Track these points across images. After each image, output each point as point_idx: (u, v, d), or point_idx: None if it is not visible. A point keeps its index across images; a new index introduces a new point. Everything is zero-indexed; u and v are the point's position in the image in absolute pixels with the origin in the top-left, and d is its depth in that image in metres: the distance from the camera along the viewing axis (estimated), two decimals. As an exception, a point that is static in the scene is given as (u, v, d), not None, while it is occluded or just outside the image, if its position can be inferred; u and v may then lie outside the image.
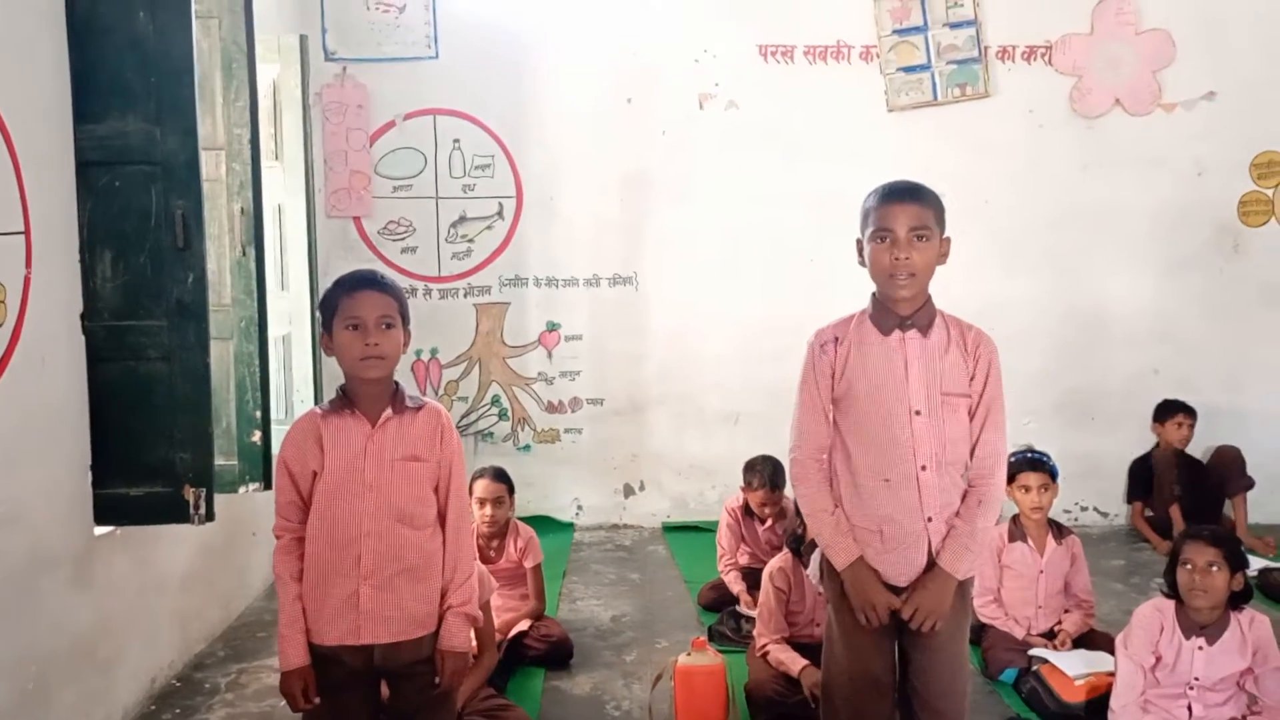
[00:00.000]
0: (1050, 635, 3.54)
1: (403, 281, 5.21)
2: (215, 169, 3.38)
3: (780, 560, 3.38)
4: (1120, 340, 5.39)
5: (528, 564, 3.80)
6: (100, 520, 3.03)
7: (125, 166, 2.96)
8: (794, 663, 3.18)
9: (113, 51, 2.93)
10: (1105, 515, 5.42)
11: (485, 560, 3.74)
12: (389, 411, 2.23)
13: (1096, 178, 5.31)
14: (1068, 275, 5.36)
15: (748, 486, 4.15)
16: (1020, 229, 5.32)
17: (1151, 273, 5.37)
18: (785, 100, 5.25)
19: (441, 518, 2.27)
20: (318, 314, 2.42)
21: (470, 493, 3.74)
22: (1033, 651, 3.45)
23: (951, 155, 5.24)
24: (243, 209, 3.41)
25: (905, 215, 2.20)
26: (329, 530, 2.20)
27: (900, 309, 2.32)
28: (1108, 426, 5.39)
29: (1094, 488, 5.33)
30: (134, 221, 2.98)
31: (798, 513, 3.24)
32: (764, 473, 4.03)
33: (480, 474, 3.82)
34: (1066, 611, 3.61)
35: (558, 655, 3.63)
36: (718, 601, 4.10)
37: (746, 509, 4.21)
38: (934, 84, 5.24)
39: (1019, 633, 3.54)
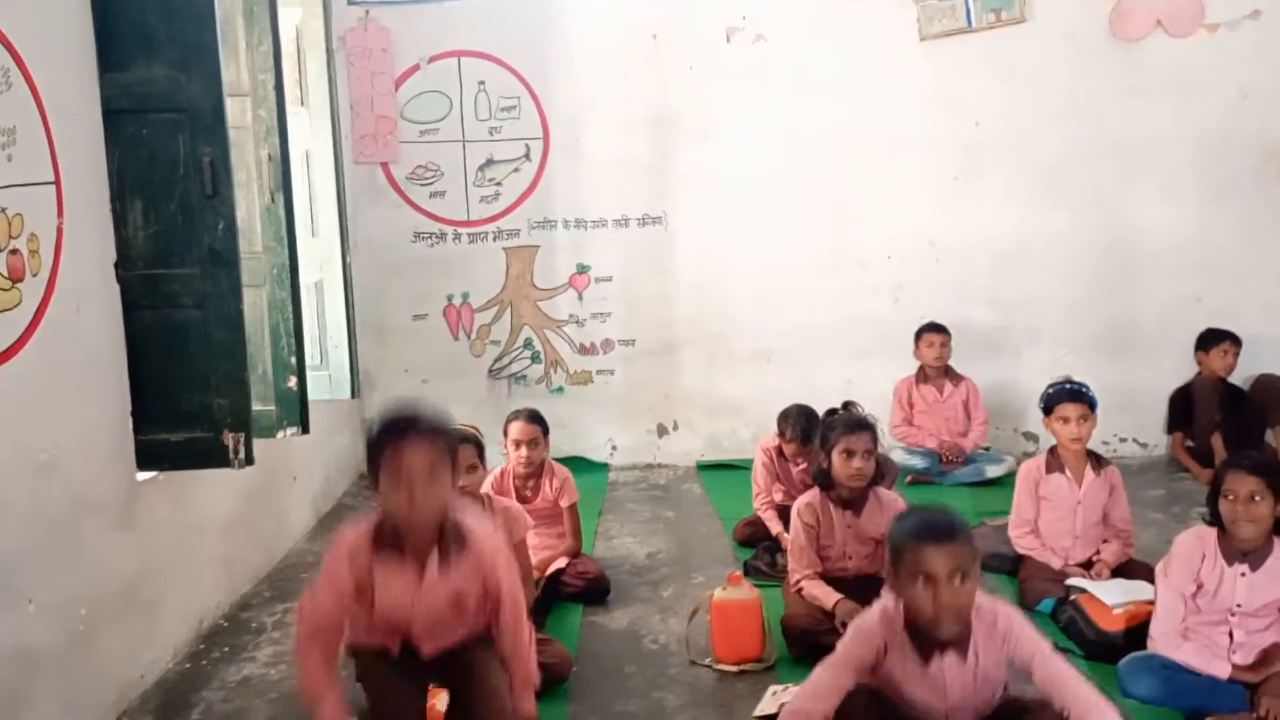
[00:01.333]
0: (1088, 565, 3.53)
1: (431, 226, 5.22)
2: (241, 115, 3.38)
3: (808, 496, 3.39)
4: (1160, 270, 5.28)
5: (563, 503, 3.83)
6: (143, 465, 3.08)
7: (152, 114, 2.97)
8: (827, 597, 3.19)
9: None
10: (1144, 446, 5.37)
11: (522, 500, 3.78)
12: (436, 558, 2.30)
13: (1136, 105, 5.16)
14: (1107, 206, 5.25)
15: (781, 435, 4.15)
16: (1057, 159, 5.21)
17: (1193, 202, 5.24)
18: (814, 32, 5.14)
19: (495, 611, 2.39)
20: (368, 445, 2.30)
21: (505, 434, 3.79)
22: (1070, 581, 3.43)
23: (986, 84, 5.15)
24: (270, 155, 3.41)
25: (944, 557, 2.11)
26: (378, 630, 2.38)
27: (941, 634, 2.24)
28: (1146, 357, 5.31)
29: (1133, 419, 5.27)
30: (163, 169, 2.98)
31: (822, 447, 3.33)
32: (797, 425, 4.04)
33: (515, 416, 3.85)
34: (1105, 542, 3.59)
35: (595, 592, 3.67)
36: (752, 537, 4.11)
37: (780, 449, 4.21)
38: (968, 9, 5.10)
39: (1056, 563, 3.53)
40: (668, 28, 5.14)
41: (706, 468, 5.35)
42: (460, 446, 2.89)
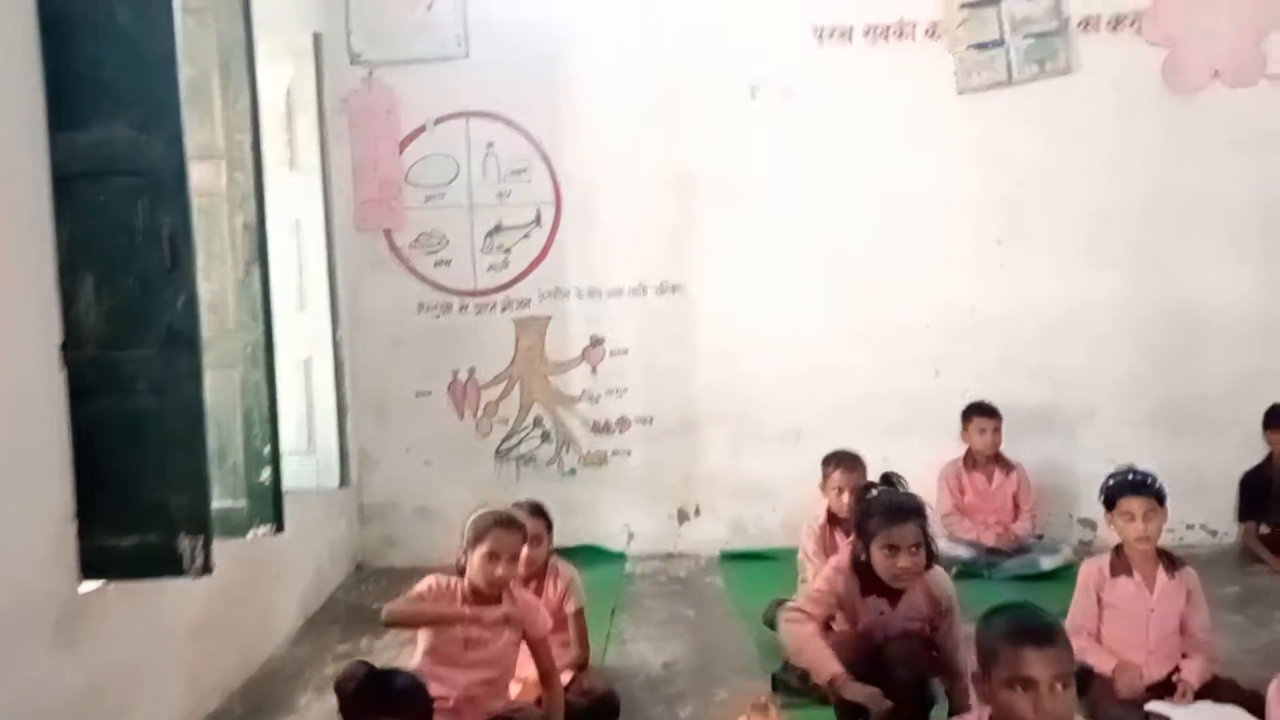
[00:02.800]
0: (1167, 687, 3.07)
1: (436, 296, 4.91)
2: (215, 179, 3.08)
3: (840, 561, 3.04)
4: (1222, 339, 4.86)
5: (568, 609, 3.44)
6: (88, 574, 2.72)
7: (109, 178, 2.66)
8: (825, 665, 2.82)
9: (91, 49, 2.63)
10: (1214, 534, 4.90)
11: None
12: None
13: (1193, 160, 4.79)
14: (1162, 269, 4.85)
15: (825, 478, 3.89)
16: (1108, 219, 4.84)
17: (1256, 264, 4.84)
18: (844, 86, 4.83)
19: None
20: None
21: None
22: (1150, 706, 2.98)
23: (1030, 140, 4.80)
24: (245, 223, 3.10)
25: (1046, 662, 1.92)
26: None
27: None
28: (1211, 435, 4.86)
29: (1199, 504, 4.79)
30: (119, 240, 2.67)
31: (859, 535, 2.92)
32: (843, 462, 3.85)
33: (515, 509, 3.47)
34: (1185, 656, 3.13)
35: (603, 712, 3.24)
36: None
37: (831, 518, 3.87)
38: (1009, 61, 4.77)
39: (1109, 663, 3.06)
40: (687, 84, 4.84)
41: (731, 557, 4.92)
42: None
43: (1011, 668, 1.90)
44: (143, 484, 2.71)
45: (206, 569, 2.77)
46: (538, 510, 3.46)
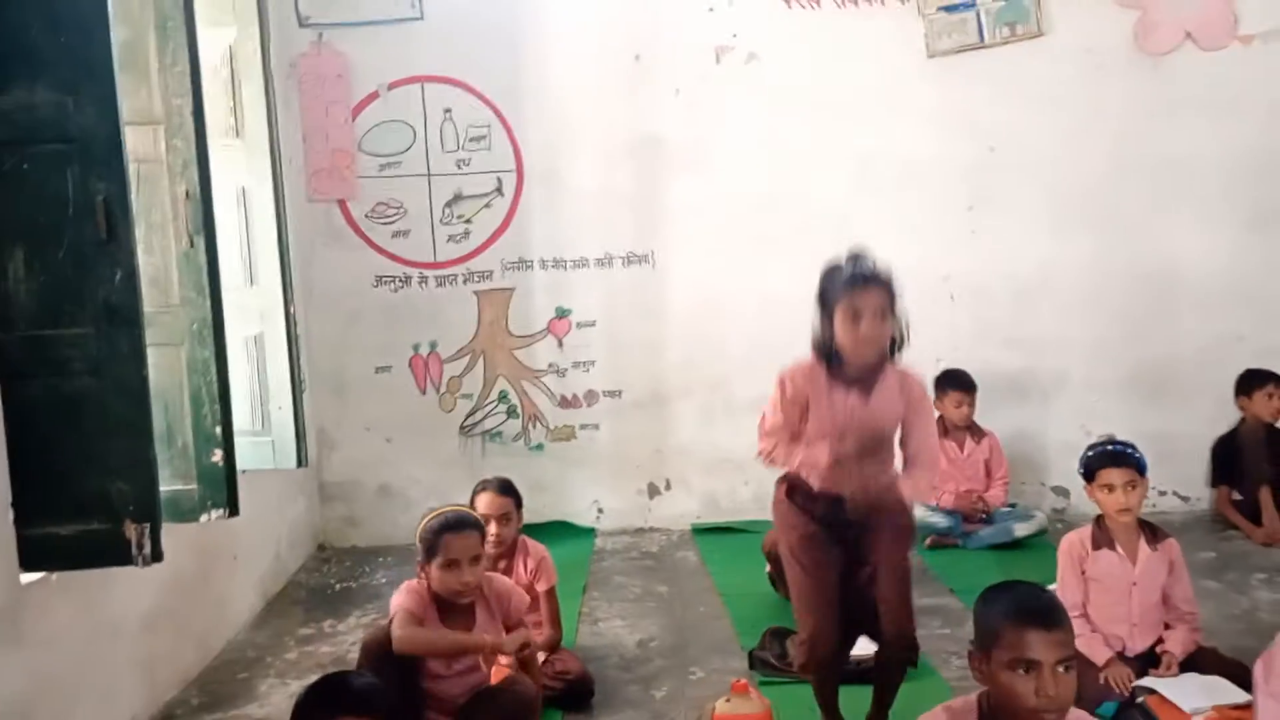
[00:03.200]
0: (1150, 658, 3.02)
1: (394, 269, 4.75)
2: (154, 147, 2.91)
3: (801, 364, 2.73)
4: (1194, 305, 4.82)
5: (540, 587, 3.34)
6: (27, 566, 2.57)
7: (33, 146, 2.48)
8: (819, 451, 2.67)
9: (10, 6, 2.44)
10: (1185, 500, 4.87)
11: None
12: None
13: (1165, 124, 4.72)
14: (1133, 234, 4.79)
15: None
16: (1079, 184, 4.76)
17: (1229, 228, 4.77)
18: (812, 50, 4.69)
19: None
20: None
21: (472, 507, 3.31)
22: (1143, 681, 2.93)
23: (1001, 104, 4.71)
24: (188, 192, 2.93)
25: (1051, 645, 1.81)
26: None
27: None
28: (1183, 401, 4.83)
29: (1172, 470, 4.75)
30: (49, 211, 2.50)
31: (822, 311, 2.65)
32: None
33: (483, 486, 3.38)
34: (1168, 627, 3.08)
35: (576, 694, 3.15)
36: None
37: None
38: (980, 24, 4.66)
39: (1102, 655, 3.00)
40: (651, 48, 4.69)
41: (703, 531, 4.83)
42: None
43: (1014, 649, 1.82)
44: (84, 469, 2.56)
45: (155, 557, 2.63)
46: (506, 487, 3.36)
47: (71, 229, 2.51)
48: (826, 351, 2.64)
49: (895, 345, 2.67)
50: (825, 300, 2.64)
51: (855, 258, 2.64)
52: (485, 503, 3.31)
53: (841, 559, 2.72)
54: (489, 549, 3.28)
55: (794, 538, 2.75)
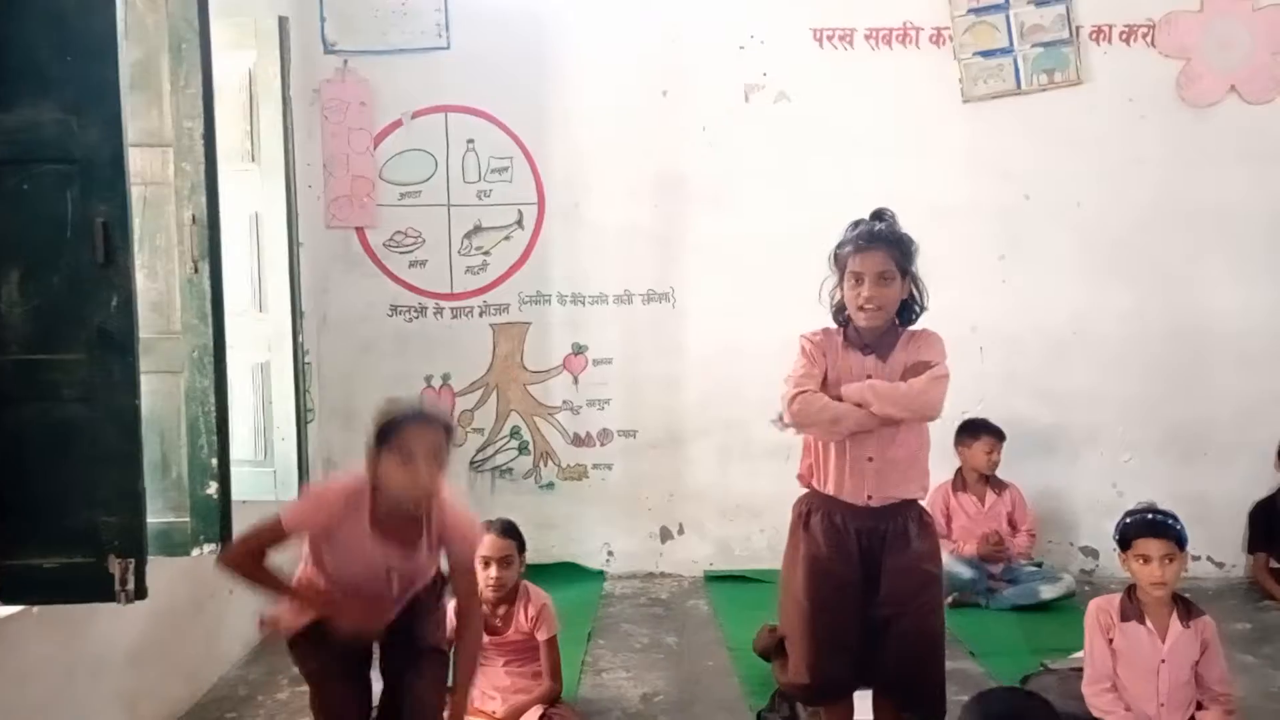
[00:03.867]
0: (1181, 738, 2.85)
1: (410, 299, 4.67)
2: (162, 170, 2.84)
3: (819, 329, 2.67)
4: (1233, 361, 4.66)
5: (540, 636, 3.22)
6: (5, 598, 2.48)
7: (35, 165, 2.41)
8: (849, 409, 2.49)
9: (17, 26, 2.39)
10: (1220, 566, 4.68)
11: (490, 631, 3.19)
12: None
13: (1206, 175, 4.59)
14: (1171, 286, 4.65)
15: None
16: (1116, 233, 4.63)
17: (1270, 283, 4.64)
18: (844, 91, 4.61)
19: None
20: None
21: None
22: (1166, 761, 2.77)
23: (1037, 151, 4.61)
24: (194, 217, 2.85)
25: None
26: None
27: None
28: (1220, 462, 4.66)
29: (1207, 534, 4.56)
30: (46, 232, 2.42)
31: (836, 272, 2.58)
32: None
33: (485, 528, 3.24)
34: (1201, 708, 2.91)
35: None
36: (774, 648, 3.42)
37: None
38: (1017, 70, 4.56)
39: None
40: (680, 84, 4.62)
41: (716, 579, 4.69)
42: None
43: None
44: (69, 500, 2.46)
45: (139, 594, 2.52)
46: (509, 529, 3.25)
47: (69, 251, 2.43)
48: (840, 314, 2.58)
49: (910, 309, 2.56)
50: (835, 261, 2.57)
51: (875, 214, 2.57)
52: (486, 545, 3.18)
53: (858, 597, 2.55)
54: (488, 594, 3.19)
55: (811, 567, 2.58)
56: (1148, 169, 4.59)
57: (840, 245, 2.55)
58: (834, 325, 2.65)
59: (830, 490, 2.57)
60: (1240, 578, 4.64)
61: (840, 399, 2.50)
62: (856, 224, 2.57)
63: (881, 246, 2.46)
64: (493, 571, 3.17)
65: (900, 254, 2.48)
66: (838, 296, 2.58)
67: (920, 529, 2.57)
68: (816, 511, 2.61)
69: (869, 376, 2.50)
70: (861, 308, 2.46)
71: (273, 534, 2.44)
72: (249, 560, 2.47)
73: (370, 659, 2.68)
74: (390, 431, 2.38)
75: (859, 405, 2.46)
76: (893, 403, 2.45)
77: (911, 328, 2.60)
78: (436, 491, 2.43)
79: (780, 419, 2.67)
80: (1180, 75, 4.56)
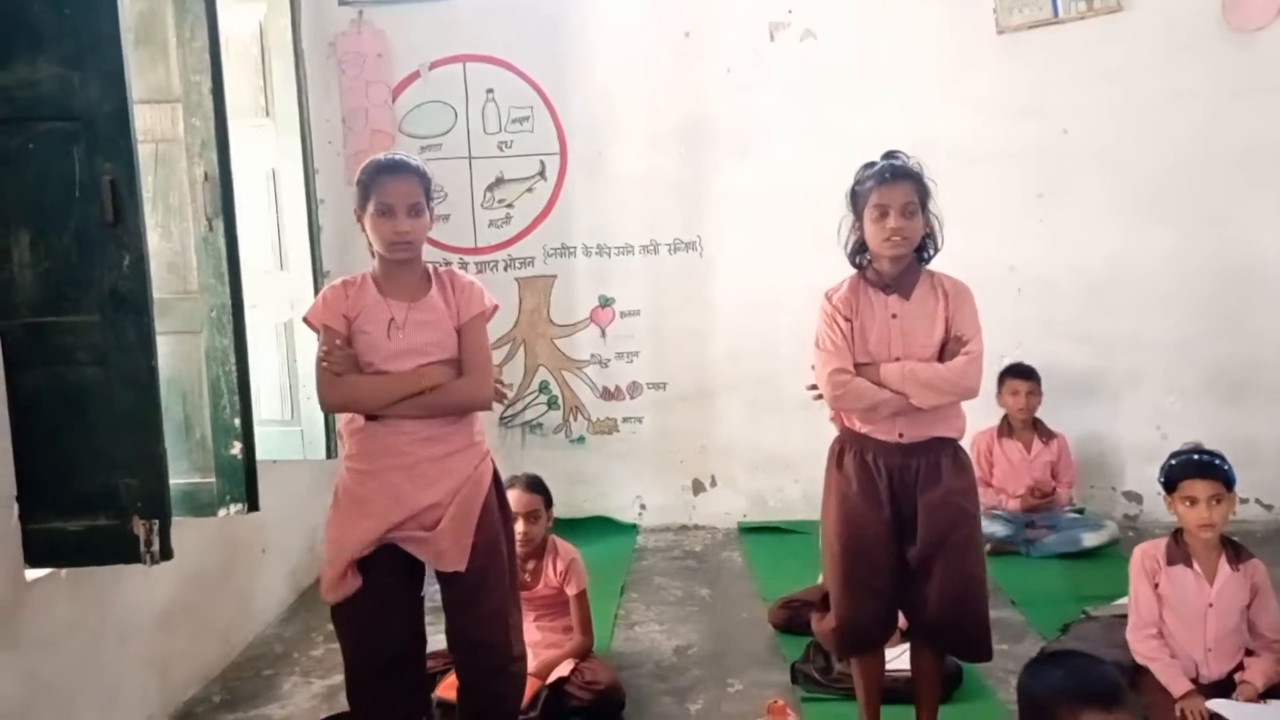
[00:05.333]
0: (1229, 685, 2.76)
1: (433, 254, 4.59)
2: (171, 126, 2.78)
3: (842, 284, 2.57)
4: (1281, 301, 4.49)
5: (570, 591, 3.19)
6: (32, 562, 2.47)
7: (37, 123, 2.36)
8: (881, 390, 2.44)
9: (14, -22, 2.33)
10: (1269, 508, 4.56)
11: (520, 586, 3.13)
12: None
13: (1253, 106, 4.39)
14: (1217, 224, 4.47)
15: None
16: (1159, 170, 4.45)
17: (1322, 217, 4.44)
18: (872, 26, 4.46)
19: None
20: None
21: None
22: (1212, 703, 2.68)
23: (1075, 84, 4.43)
24: (206, 173, 2.80)
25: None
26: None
27: None
28: (1268, 403, 4.51)
29: (1254, 476, 4.42)
30: (53, 193, 2.37)
31: (853, 213, 2.52)
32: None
33: (511, 482, 3.22)
34: (1250, 654, 2.82)
35: (606, 707, 2.98)
36: (791, 622, 3.42)
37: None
38: (1054, -2, 4.38)
39: (1180, 686, 2.75)
40: (702, 24, 4.49)
41: (750, 530, 4.64)
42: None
43: None
44: (90, 463, 2.44)
45: (165, 555, 2.50)
46: (536, 484, 3.22)
47: (77, 211, 2.38)
48: (858, 255, 2.53)
49: (928, 247, 2.51)
50: (855, 200, 2.51)
51: (887, 154, 2.51)
52: (513, 500, 3.14)
53: (890, 540, 2.49)
54: (516, 548, 3.16)
55: (841, 509, 2.53)
56: (1191, 100, 4.40)
57: (859, 182, 2.50)
58: (852, 271, 2.59)
59: (861, 429, 2.50)
60: (1290, 520, 4.52)
61: (871, 364, 2.47)
62: (870, 165, 2.52)
63: (905, 179, 2.43)
64: (520, 527, 3.14)
65: (920, 188, 2.45)
66: (856, 236, 2.54)
67: (955, 465, 2.50)
68: (850, 450, 2.55)
69: (894, 316, 2.47)
70: (889, 239, 2.41)
71: (321, 339, 2.39)
72: (336, 381, 2.35)
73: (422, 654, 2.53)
74: (367, 188, 2.34)
75: (898, 392, 2.42)
76: (932, 389, 2.42)
77: (941, 274, 2.55)
78: (421, 239, 2.39)
79: (814, 388, 2.58)
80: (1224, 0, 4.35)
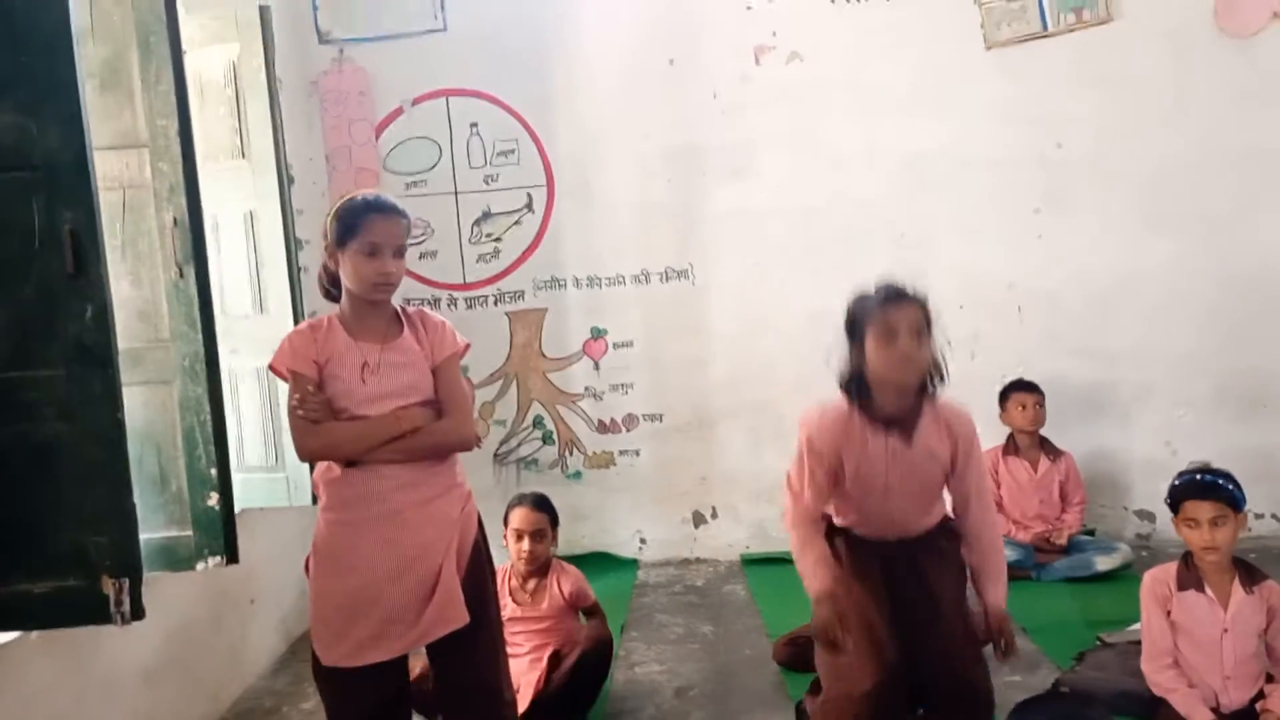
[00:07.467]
0: (1250, 714, 2.65)
1: (423, 291, 4.55)
2: (139, 172, 2.72)
3: (830, 408, 2.44)
4: (1292, 309, 4.39)
5: (584, 605, 3.27)
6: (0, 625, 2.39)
7: (-5, 174, 2.31)
8: (813, 580, 2.38)
9: (-33, 26, 2.27)
10: (1286, 524, 4.43)
11: (520, 604, 3.20)
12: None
13: (1253, 111, 4.30)
14: (1221, 233, 4.37)
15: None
16: (1160, 180, 4.36)
17: (1329, 223, 4.35)
18: (859, 47, 4.39)
19: None
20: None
21: (505, 523, 3.24)
22: (1235, 741, 2.57)
23: (1069, 96, 4.35)
24: (175, 219, 2.73)
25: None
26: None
27: None
28: (1281, 415, 4.40)
29: (1269, 490, 4.33)
30: (13, 244, 2.30)
31: (851, 341, 2.40)
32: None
33: (518, 501, 3.25)
34: (1271, 681, 2.71)
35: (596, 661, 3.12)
36: (796, 659, 3.31)
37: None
38: (1042, 10, 4.31)
39: (1200, 716, 2.63)
40: (686, 50, 4.43)
41: (753, 562, 4.53)
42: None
43: None
44: (57, 522, 2.36)
45: (136, 614, 2.41)
46: (542, 503, 3.23)
47: (39, 262, 2.31)
48: (857, 385, 2.36)
49: (934, 377, 2.37)
50: (854, 326, 2.37)
51: (886, 281, 2.40)
52: (519, 518, 3.20)
53: (886, 602, 2.41)
54: (520, 566, 3.21)
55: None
56: (1188, 108, 4.32)
57: (859, 305, 2.37)
58: (842, 398, 2.47)
59: (860, 533, 2.49)
60: (1309, 535, 4.39)
61: (862, 488, 2.40)
62: (864, 293, 2.42)
63: (913, 301, 2.31)
64: (525, 545, 3.17)
65: (928, 314, 2.33)
66: (851, 365, 2.39)
67: (947, 537, 2.44)
68: (838, 535, 2.51)
69: (893, 456, 2.35)
70: (897, 366, 2.28)
71: (291, 386, 2.29)
72: (313, 429, 2.26)
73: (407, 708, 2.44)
74: (354, 226, 2.26)
75: None
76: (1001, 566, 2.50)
77: (944, 404, 2.43)
78: (400, 282, 2.33)
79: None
80: (1218, 4, 4.27)
